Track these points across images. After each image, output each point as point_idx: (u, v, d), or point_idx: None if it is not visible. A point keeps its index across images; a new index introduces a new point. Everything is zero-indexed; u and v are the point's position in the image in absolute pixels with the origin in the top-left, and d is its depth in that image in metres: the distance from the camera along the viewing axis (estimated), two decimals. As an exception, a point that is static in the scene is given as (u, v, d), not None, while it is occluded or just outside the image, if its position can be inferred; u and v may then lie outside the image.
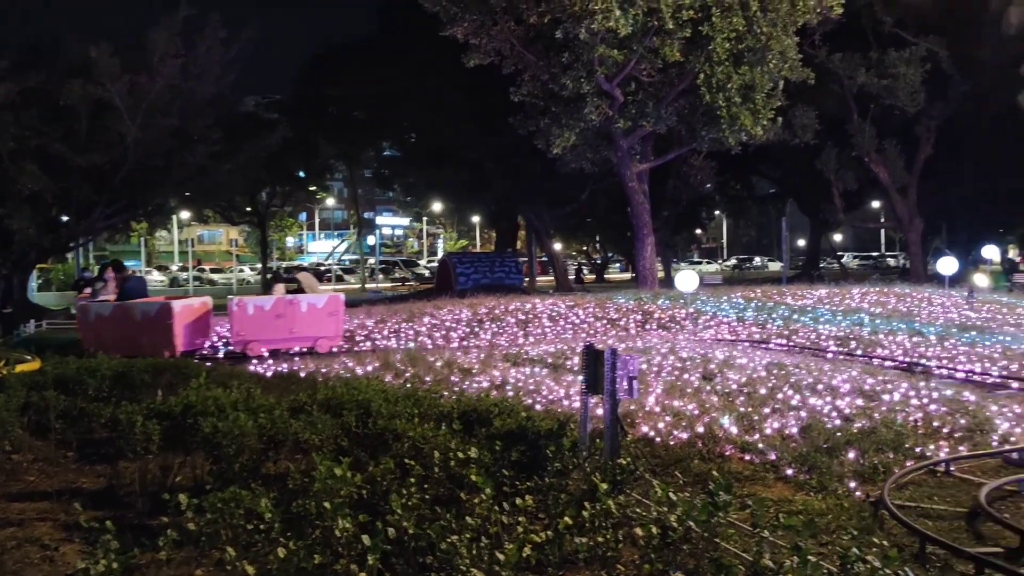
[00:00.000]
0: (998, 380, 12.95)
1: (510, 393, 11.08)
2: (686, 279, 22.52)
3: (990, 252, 31.43)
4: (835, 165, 44.79)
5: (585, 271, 65.49)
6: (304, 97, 47.60)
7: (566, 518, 5.58)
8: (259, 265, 60.31)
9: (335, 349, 16.78)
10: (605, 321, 19.85)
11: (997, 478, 8.10)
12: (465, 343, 17.23)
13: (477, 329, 18.65)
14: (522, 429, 7.94)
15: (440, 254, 75.38)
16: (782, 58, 26.00)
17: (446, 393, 10.55)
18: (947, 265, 26.46)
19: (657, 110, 27.11)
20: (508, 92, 27.89)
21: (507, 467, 7.15)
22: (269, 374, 13.60)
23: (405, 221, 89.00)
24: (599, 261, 72.32)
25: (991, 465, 8.73)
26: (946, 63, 41.20)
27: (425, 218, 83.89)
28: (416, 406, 8.95)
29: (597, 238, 67.05)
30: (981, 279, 26.77)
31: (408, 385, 11.50)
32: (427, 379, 12.04)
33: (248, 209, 56.17)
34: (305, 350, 16.62)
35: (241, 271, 70.68)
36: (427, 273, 62.48)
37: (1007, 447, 9.11)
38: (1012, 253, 77.85)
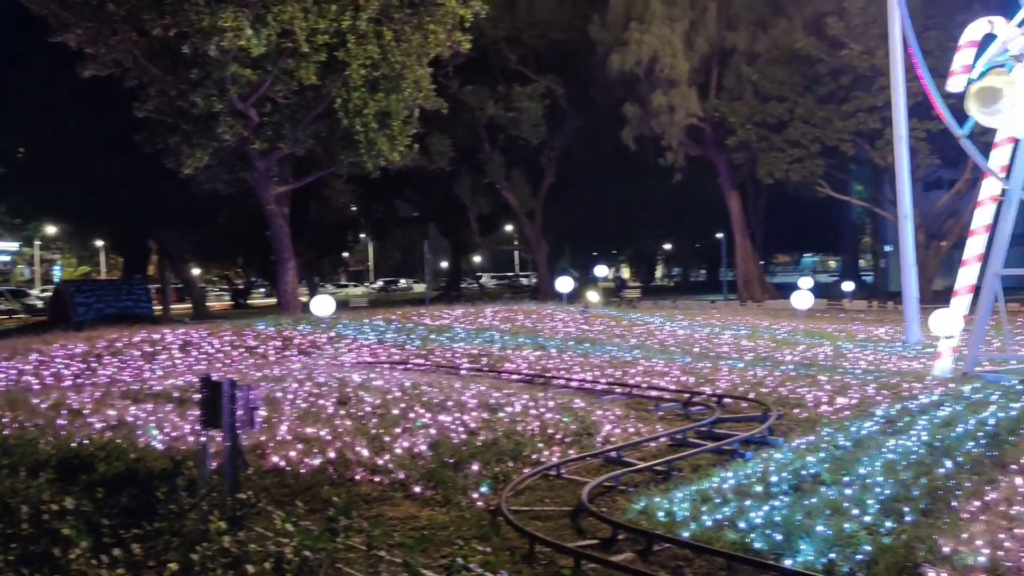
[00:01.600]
0: (605, 387, 14.40)
1: (138, 433, 10.18)
2: (321, 303, 22.37)
3: (601, 271, 35.09)
4: (470, 191, 47.59)
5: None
6: None
7: (171, 564, 5.19)
8: None
9: None
10: (243, 349, 19.07)
11: (599, 476, 8.97)
12: (80, 381, 15.59)
13: (95, 365, 16.96)
14: (132, 472, 7.31)
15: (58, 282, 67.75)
16: (417, 87, 26.95)
17: (47, 439, 9.42)
18: (564, 283, 29.12)
19: (294, 132, 26.78)
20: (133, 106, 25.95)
21: (114, 514, 6.51)
22: None
23: (13, 246, 78.93)
24: (242, 286, 69.73)
25: (595, 464, 9.64)
26: (563, 100, 45.57)
27: (38, 242, 75.10)
28: (6, 456, 7.87)
29: (239, 262, 64.58)
30: (594, 296, 29.76)
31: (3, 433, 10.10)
32: (28, 425, 10.67)
33: None
34: None
35: None
36: (41, 304, 55.87)
37: (608, 447, 10.13)
38: (624, 272, 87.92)
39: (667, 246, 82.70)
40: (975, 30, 14.54)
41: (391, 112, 26.29)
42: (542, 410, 11.52)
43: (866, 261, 71.31)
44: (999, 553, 5.97)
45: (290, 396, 12.20)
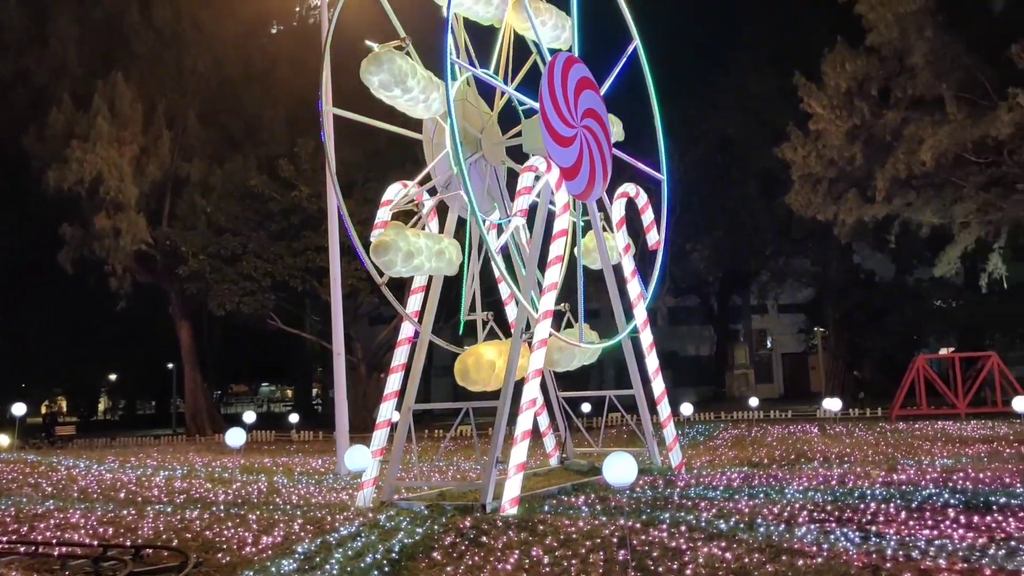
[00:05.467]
0: (4, 547, 12.48)
1: None
2: None
3: (20, 409, 30.17)
4: None
5: None
6: None
7: None
8: None
9: None
10: None
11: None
12: None
13: None
14: None
15: None
16: None
17: None
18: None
19: None
20: None
21: None
22: None
23: None
24: None
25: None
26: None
27: None
28: None
29: None
30: (2, 438, 25.66)
31: None
32: None
33: None
34: None
35: None
36: None
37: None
38: (60, 406, 79.29)
39: (112, 376, 77.05)
40: (391, 191, 16.38)
41: None
42: (-95, 587, 9.51)
43: (320, 391, 74.36)
44: None
45: None
